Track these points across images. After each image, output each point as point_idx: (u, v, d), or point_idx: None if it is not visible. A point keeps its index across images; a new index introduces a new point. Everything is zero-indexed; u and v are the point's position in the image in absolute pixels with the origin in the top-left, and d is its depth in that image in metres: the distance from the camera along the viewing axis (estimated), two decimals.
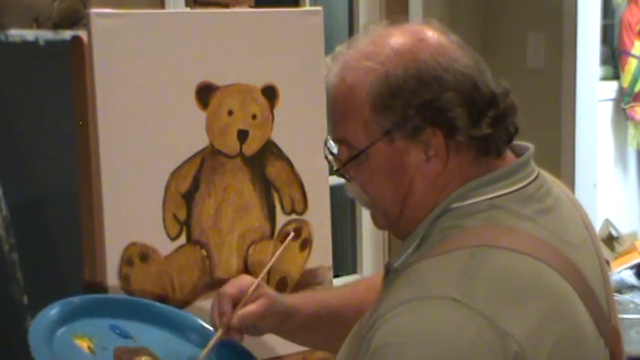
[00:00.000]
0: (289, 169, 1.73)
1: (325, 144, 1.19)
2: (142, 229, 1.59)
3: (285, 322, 1.40)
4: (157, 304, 1.51)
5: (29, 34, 2.04)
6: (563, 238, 1.13)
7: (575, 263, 1.11)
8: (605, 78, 4.27)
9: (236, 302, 1.37)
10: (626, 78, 4.32)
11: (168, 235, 1.61)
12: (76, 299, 1.38)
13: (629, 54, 4.32)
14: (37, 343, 1.22)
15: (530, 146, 1.18)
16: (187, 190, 1.63)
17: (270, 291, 1.41)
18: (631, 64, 4.32)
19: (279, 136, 1.71)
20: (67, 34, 2.03)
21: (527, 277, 1.06)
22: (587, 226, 1.21)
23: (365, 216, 3.08)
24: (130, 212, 1.57)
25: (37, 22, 2.06)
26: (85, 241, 1.58)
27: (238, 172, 1.68)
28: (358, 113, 1.12)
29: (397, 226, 1.17)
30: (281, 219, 1.73)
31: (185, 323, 1.48)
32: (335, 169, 1.19)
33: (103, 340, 1.34)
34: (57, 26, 2.08)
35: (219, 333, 1.37)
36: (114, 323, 1.39)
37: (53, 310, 1.32)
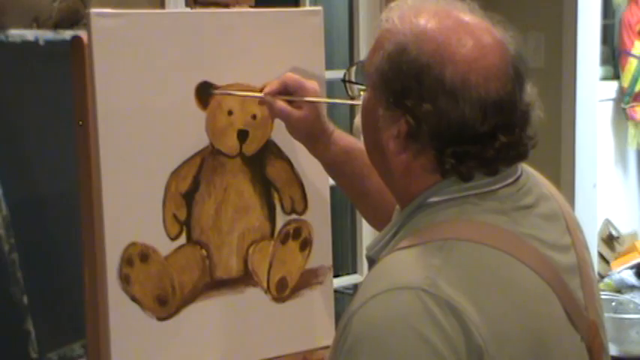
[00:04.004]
0: (289, 169, 1.73)
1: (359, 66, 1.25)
2: (142, 229, 1.59)
3: (306, 143, 1.57)
4: None
5: (29, 34, 2.04)
6: (538, 234, 1.13)
7: (548, 258, 1.12)
8: (605, 78, 4.27)
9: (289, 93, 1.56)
10: (626, 78, 4.33)
11: (169, 235, 1.62)
12: None
13: (629, 54, 4.32)
14: None
15: None
16: (187, 190, 1.63)
17: (313, 111, 1.56)
18: (631, 64, 4.32)
19: (279, 136, 1.71)
20: (67, 34, 2.03)
21: (496, 271, 1.07)
22: (570, 225, 1.22)
23: None
24: (130, 212, 1.57)
25: (37, 22, 2.06)
26: (85, 241, 1.58)
27: (238, 172, 1.68)
28: (377, 53, 1.14)
29: (386, 185, 1.22)
30: (281, 219, 1.73)
31: None
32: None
33: None
34: (57, 26, 2.08)
35: (260, 94, 1.57)
36: None
37: None
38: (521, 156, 1.15)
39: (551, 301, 1.11)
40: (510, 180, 1.15)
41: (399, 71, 1.10)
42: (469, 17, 1.13)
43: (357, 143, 1.52)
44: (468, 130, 1.08)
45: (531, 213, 1.15)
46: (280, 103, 1.55)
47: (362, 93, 1.25)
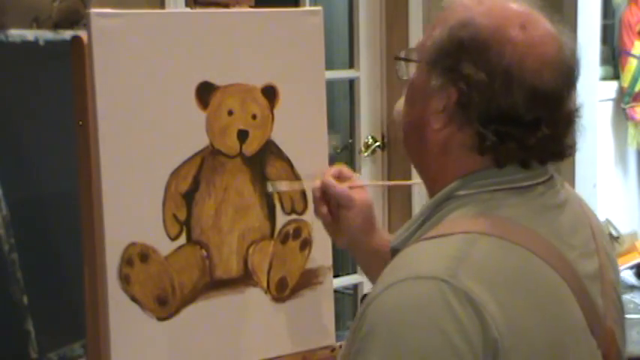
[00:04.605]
0: (289, 169, 1.73)
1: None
2: (142, 229, 1.59)
3: (363, 233, 1.48)
4: None
5: (29, 34, 2.04)
6: (562, 236, 1.13)
7: (571, 261, 1.12)
8: (605, 78, 4.27)
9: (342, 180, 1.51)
10: (626, 78, 4.32)
11: (169, 235, 1.62)
12: None
13: (629, 54, 4.31)
14: None
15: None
16: (187, 190, 1.63)
17: (370, 199, 1.51)
18: (631, 64, 4.31)
19: (279, 136, 1.71)
20: (67, 34, 2.03)
21: (517, 267, 1.07)
22: (596, 233, 1.21)
23: None
24: (130, 212, 1.57)
25: (37, 22, 2.06)
26: (85, 241, 1.59)
27: (238, 172, 1.68)
28: (437, 29, 1.15)
29: (417, 169, 1.22)
30: (281, 219, 1.73)
31: None
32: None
33: None
34: (57, 26, 2.08)
35: (317, 182, 1.51)
36: None
37: None
38: (558, 155, 1.16)
39: (572, 305, 1.10)
40: (542, 179, 1.15)
41: (460, 44, 1.11)
42: (531, 9, 1.15)
43: None
44: (514, 113, 1.09)
45: (560, 214, 1.16)
46: (343, 187, 1.49)
47: (405, 78, 1.24)
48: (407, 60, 1.22)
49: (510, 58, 1.09)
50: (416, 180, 1.35)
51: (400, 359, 1.00)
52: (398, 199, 3.13)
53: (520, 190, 1.13)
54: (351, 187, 1.50)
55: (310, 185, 1.55)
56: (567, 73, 1.13)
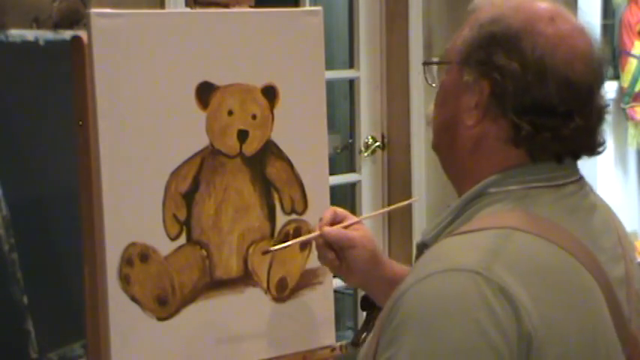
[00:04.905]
0: (289, 169, 1.73)
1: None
2: (142, 229, 1.59)
3: (372, 266, 1.47)
4: None
5: (29, 34, 2.04)
6: (593, 238, 1.13)
7: (603, 264, 1.12)
8: None
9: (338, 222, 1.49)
10: (626, 78, 4.32)
11: (168, 235, 1.62)
12: None
13: (629, 54, 4.31)
14: None
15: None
16: (187, 190, 1.63)
17: (369, 231, 1.50)
18: (631, 64, 4.32)
19: (279, 136, 1.71)
20: (67, 34, 2.03)
21: (551, 264, 1.07)
22: (622, 238, 1.21)
23: None
24: (130, 212, 1.57)
25: (37, 22, 2.06)
26: (85, 241, 1.59)
27: (238, 172, 1.68)
28: (467, 29, 1.16)
29: (448, 171, 1.22)
30: (281, 219, 1.73)
31: None
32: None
33: None
34: (57, 26, 2.08)
35: (315, 233, 1.48)
36: None
37: None
38: (591, 149, 1.16)
39: (602, 306, 1.10)
40: (573, 178, 1.16)
41: (492, 37, 1.12)
42: (558, 5, 1.16)
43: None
44: (547, 104, 1.09)
45: (591, 216, 1.16)
46: (340, 229, 1.48)
47: (434, 85, 1.24)
48: (439, 63, 1.22)
49: (542, 49, 1.09)
50: (414, 198, 1.34)
51: (434, 350, 1.00)
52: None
53: (553, 188, 1.13)
54: (347, 227, 1.48)
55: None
56: (597, 68, 1.14)
